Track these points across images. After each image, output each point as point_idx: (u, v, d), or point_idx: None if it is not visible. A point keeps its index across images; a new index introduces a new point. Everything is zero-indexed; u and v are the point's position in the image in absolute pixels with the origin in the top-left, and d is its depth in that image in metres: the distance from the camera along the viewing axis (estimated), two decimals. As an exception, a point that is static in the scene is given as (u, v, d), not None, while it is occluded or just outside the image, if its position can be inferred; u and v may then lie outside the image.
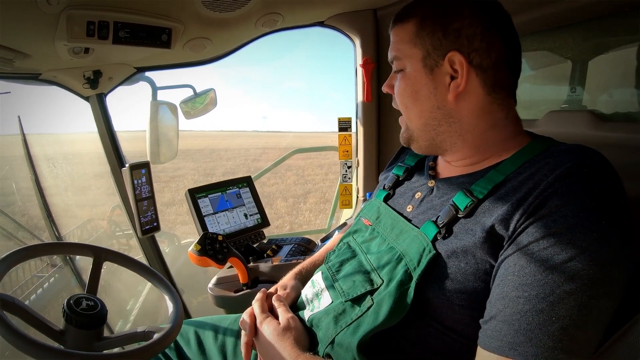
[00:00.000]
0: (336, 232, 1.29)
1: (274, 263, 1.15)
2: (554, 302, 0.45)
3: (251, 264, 1.17)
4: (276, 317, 0.72)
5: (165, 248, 2.59)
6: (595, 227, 0.46)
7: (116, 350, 0.70)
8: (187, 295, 1.77)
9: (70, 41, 0.94)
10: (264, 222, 1.35)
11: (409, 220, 0.65)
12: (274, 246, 1.28)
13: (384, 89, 0.71)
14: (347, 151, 1.42)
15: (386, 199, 0.76)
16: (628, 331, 0.53)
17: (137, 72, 1.32)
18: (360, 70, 1.33)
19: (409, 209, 0.68)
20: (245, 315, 0.74)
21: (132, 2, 0.94)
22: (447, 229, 0.57)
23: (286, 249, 1.26)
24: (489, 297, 0.51)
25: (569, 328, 0.45)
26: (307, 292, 0.74)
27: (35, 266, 1.74)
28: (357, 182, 1.45)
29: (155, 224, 1.32)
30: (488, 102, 0.61)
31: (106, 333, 0.74)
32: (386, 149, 1.40)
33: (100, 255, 0.85)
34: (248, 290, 1.09)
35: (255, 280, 1.13)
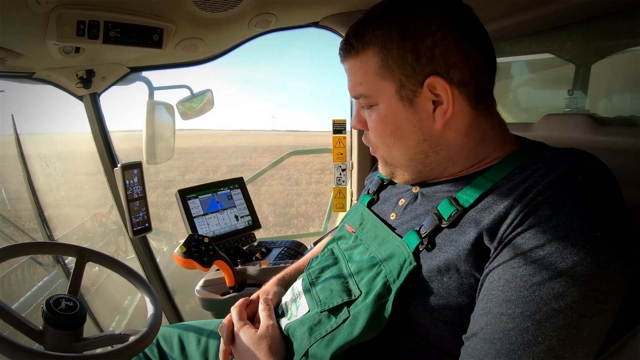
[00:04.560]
0: (328, 234, 1.27)
1: (262, 266, 1.13)
2: (541, 321, 0.42)
3: (239, 266, 1.16)
4: (259, 320, 0.71)
5: (163, 247, 2.60)
6: (590, 238, 0.42)
7: (88, 352, 0.69)
8: (181, 296, 1.77)
9: (60, 40, 0.94)
10: (255, 224, 1.34)
11: (393, 229, 0.63)
12: (263, 249, 1.27)
13: (355, 125, 0.63)
14: (342, 154, 1.40)
15: (370, 205, 0.74)
16: (628, 341, 0.50)
17: (130, 72, 1.32)
18: (355, 72, 1.31)
19: (393, 216, 0.65)
20: (224, 322, 0.73)
21: (123, 1, 0.93)
22: (429, 240, 0.54)
23: (275, 252, 1.24)
24: (473, 312, 0.48)
25: (556, 349, 0.41)
26: (286, 298, 0.72)
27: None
28: (351, 185, 1.43)
29: (147, 224, 1.31)
30: (474, 117, 0.56)
31: (95, 332, 0.74)
32: (381, 151, 1.38)
33: (84, 255, 0.84)
34: (235, 294, 1.08)
35: (243, 284, 1.12)
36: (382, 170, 0.66)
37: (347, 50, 0.58)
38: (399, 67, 0.53)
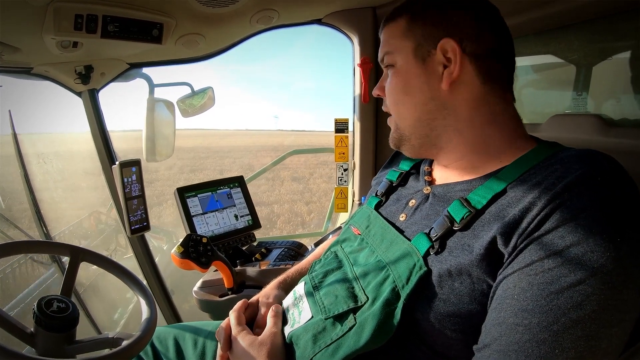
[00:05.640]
0: (330, 236, 1.25)
1: (262, 267, 1.11)
2: (558, 332, 0.40)
3: (238, 267, 1.13)
4: (260, 325, 0.69)
5: (163, 245, 2.59)
6: (610, 244, 0.40)
7: (80, 356, 0.67)
8: (180, 297, 1.75)
9: (58, 35, 0.92)
10: (255, 224, 1.32)
11: (401, 232, 0.60)
12: (263, 249, 1.25)
13: (375, 92, 0.67)
14: (344, 153, 1.38)
15: (377, 207, 0.72)
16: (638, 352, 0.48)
17: (130, 68, 1.31)
18: (358, 70, 1.29)
19: (402, 217, 0.63)
20: (221, 326, 0.70)
21: (122, -5, 0.92)
22: (440, 244, 0.52)
23: (275, 253, 1.22)
24: (484, 321, 0.46)
25: None
26: (287, 303, 0.70)
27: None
28: (353, 185, 1.41)
29: (145, 223, 1.29)
30: (484, 92, 0.58)
31: (92, 333, 0.72)
32: (383, 151, 1.36)
33: (77, 255, 0.82)
34: (233, 295, 1.06)
35: (242, 285, 1.09)
36: (391, 139, 0.67)
37: (388, 18, 0.64)
38: (421, 28, 0.59)
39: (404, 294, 0.52)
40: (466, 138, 0.59)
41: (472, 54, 0.56)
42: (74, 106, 1.39)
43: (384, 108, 0.68)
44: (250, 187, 1.36)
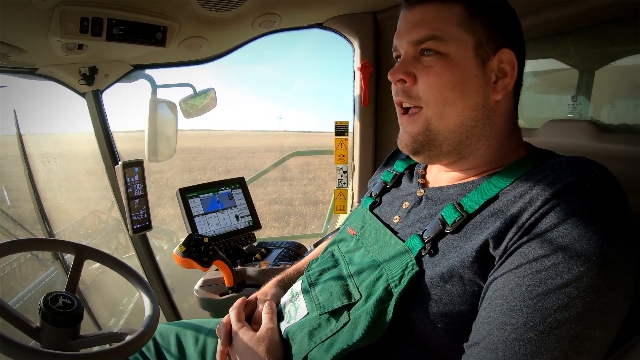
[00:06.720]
0: (329, 236, 1.27)
1: (262, 267, 1.13)
2: (544, 332, 0.42)
3: (238, 267, 1.15)
4: (258, 322, 0.70)
5: (163, 245, 2.60)
6: (596, 249, 0.42)
7: (84, 350, 0.69)
8: (180, 295, 1.76)
9: (64, 37, 0.94)
10: (255, 224, 1.34)
11: (395, 233, 0.62)
12: (263, 249, 1.27)
13: (398, 75, 0.58)
14: (343, 155, 1.40)
15: (372, 207, 0.73)
16: (629, 351, 0.49)
17: (133, 70, 1.32)
18: (358, 74, 1.31)
19: (396, 219, 0.65)
20: (222, 323, 0.72)
21: (127, -1, 0.93)
22: (432, 245, 0.54)
23: (275, 253, 1.24)
24: (475, 320, 0.48)
25: None
26: (285, 300, 0.72)
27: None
28: (353, 187, 1.43)
29: (147, 222, 1.31)
30: (514, 106, 0.60)
31: (93, 329, 0.73)
32: (383, 154, 1.37)
33: (82, 252, 0.84)
34: (233, 294, 1.07)
35: (242, 284, 1.11)
36: (410, 141, 0.60)
37: None
38: (482, 27, 0.55)
39: (396, 293, 0.53)
40: (492, 150, 0.59)
41: (519, 69, 0.57)
42: (75, 106, 1.40)
43: (402, 99, 0.59)
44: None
